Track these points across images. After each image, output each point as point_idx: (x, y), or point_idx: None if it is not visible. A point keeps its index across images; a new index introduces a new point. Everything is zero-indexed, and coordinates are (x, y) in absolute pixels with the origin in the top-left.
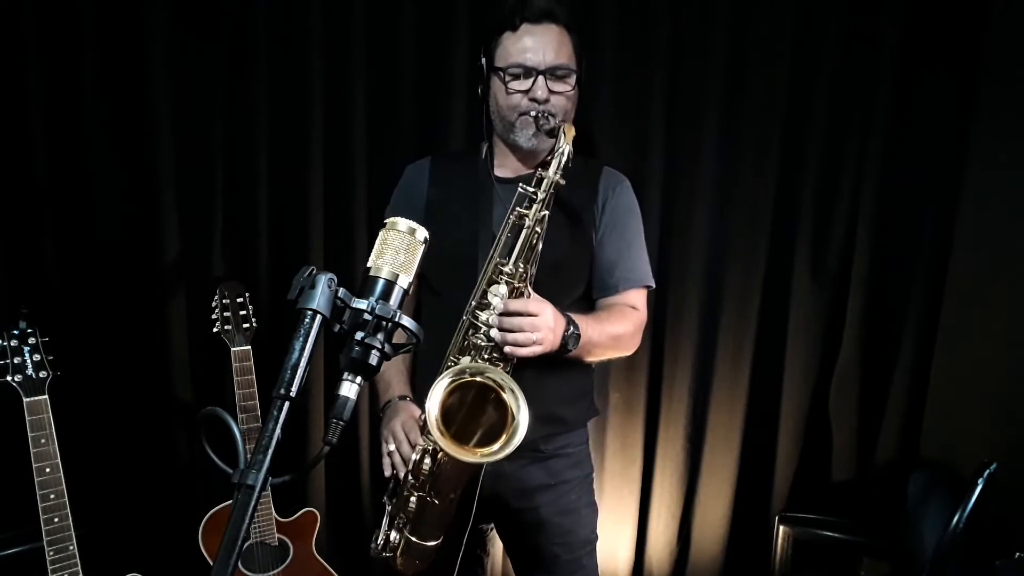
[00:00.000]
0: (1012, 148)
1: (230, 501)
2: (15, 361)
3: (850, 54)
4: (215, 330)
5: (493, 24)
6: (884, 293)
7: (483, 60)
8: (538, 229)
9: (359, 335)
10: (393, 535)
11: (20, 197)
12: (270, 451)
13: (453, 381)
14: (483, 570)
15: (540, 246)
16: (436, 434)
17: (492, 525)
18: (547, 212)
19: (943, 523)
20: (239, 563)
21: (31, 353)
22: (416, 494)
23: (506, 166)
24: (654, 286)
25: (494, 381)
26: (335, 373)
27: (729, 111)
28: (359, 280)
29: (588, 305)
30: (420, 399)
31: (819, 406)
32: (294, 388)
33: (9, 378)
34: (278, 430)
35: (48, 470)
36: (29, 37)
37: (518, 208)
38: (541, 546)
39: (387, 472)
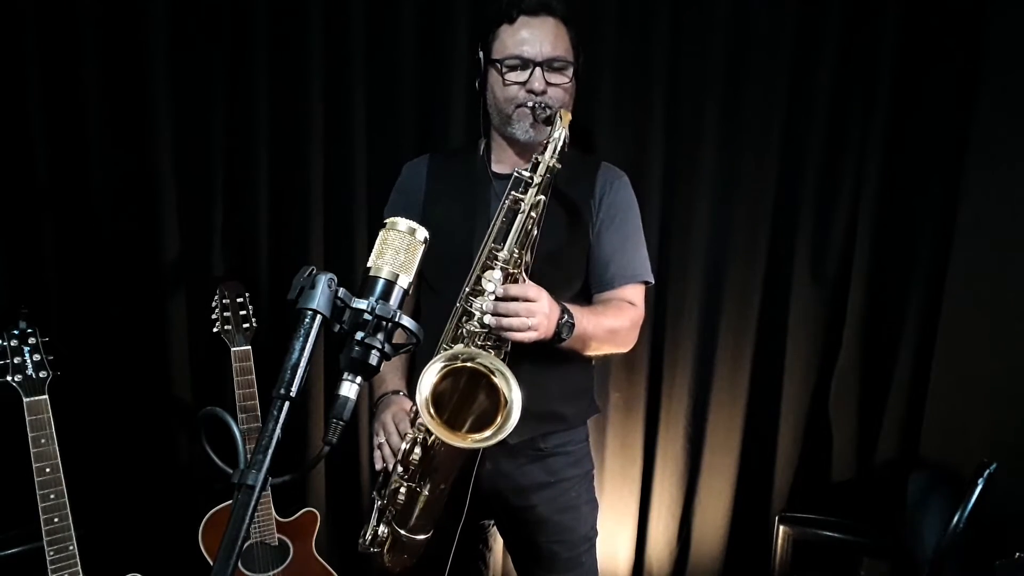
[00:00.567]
0: (1012, 148)
1: (230, 501)
2: (15, 361)
3: (850, 54)
4: (215, 330)
5: (490, 17)
6: (884, 293)
7: (480, 53)
8: (533, 214)
9: (359, 335)
10: (382, 529)
11: (20, 197)
12: (270, 451)
13: (445, 366)
14: (484, 565)
15: (536, 232)
16: (426, 418)
17: (493, 521)
18: (544, 197)
19: (943, 523)
20: (239, 563)
21: (31, 353)
22: (406, 485)
23: (504, 161)
24: (653, 282)
25: (485, 367)
26: (335, 373)
27: (729, 111)
28: (359, 280)
29: (586, 301)
30: (415, 394)
31: (819, 406)
32: (294, 388)
33: (9, 378)
34: (278, 430)
35: (48, 470)
36: (29, 37)
37: (513, 192)
38: (540, 543)
39: (378, 465)
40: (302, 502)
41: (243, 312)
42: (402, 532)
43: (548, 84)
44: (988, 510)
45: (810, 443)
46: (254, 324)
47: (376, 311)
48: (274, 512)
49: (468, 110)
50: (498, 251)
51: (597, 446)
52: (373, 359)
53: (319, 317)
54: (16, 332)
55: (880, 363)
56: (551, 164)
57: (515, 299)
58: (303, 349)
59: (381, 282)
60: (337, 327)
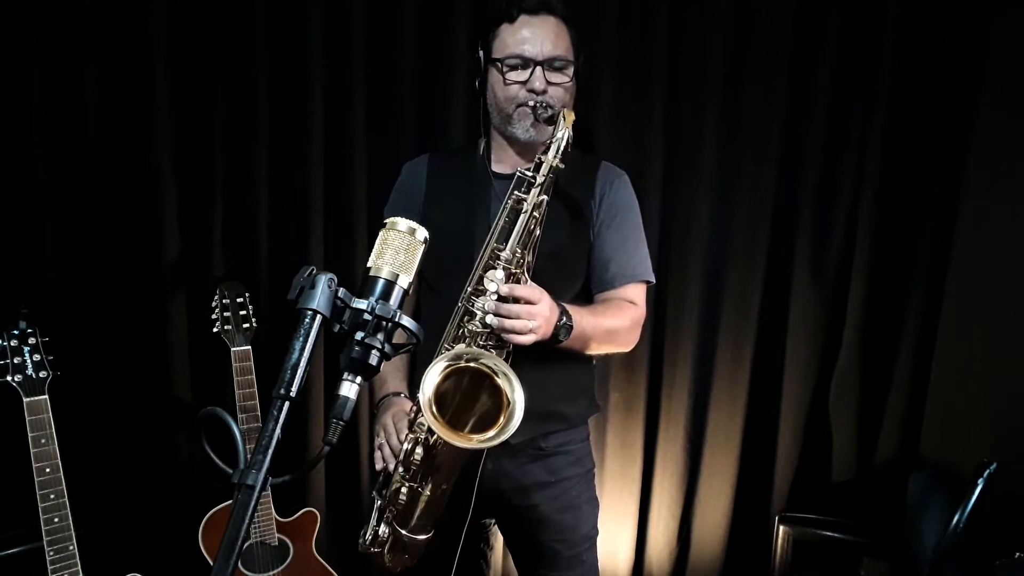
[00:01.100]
0: (1012, 148)
1: (230, 501)
2: (15, 361)
3: (850, 54)
4: (215, 330)
5: (491, 16)
6: (884, 293)
7: (480, 52)
8: (536, 214)
9: (359, 335)
10: (382, 529)
11: (20, 197)
12: (270, 451)
13: (448, 366)
14: (486, 564)
15: (538, 232)
16: (429, 417)
17: (494, 520)
18: (546, 197)
19: (943, 523)
20: (239, 563)
21: (31, 353)
22: (407, 485)
23: (504, 161)
24: (654, 281)
25: (488, 367)
26: (335, 373)
27: (729, 111)
28: (359, 280)
29: (587, 301)
30: (417, 394)
31: (819, 406)
32: (294, 388)
33: (9, 378)
34: (278, 430)
35: (48, 470)
36: (30, 37)
37: (516, 192)
38: (541, 542)
39: (378, 465)
40: (302, 502)
41: (243, 312)
42: (403, 532)
43: (549, 83)
44: (988, 510)
45: (810, 443)
46: (254, 324)
47: (376, 311)
48: (274, 512)
49: (468, 110)
50: (501, 251)
51: (597, 446)
52: (373, 359)
53: (319, 317)
54: (16, 332)
55: (880, 363)
56: (554, 164)
57: (517, 300)
58: (303, 349)
59: (381, 282)
60: (337, 327)
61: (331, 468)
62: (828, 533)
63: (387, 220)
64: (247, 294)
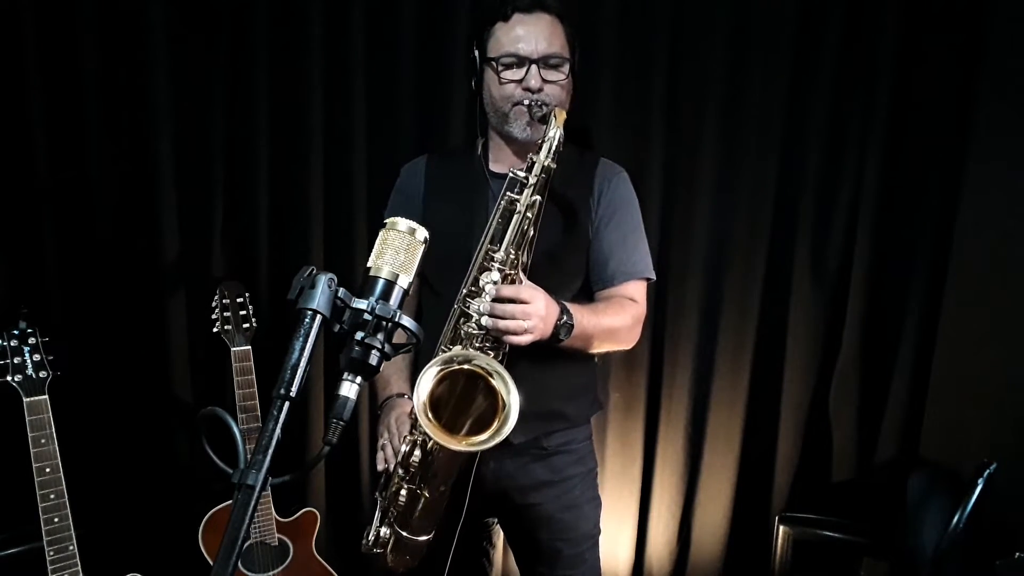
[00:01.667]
0: (1013, 148)
1: (230, 501)
2: (15, 361)
3: (850, 53)
4: (215, 330)
5: (485, 15)
6: (884, 293)
7: (476, 52)
8: (529, 215)
9: (359, 335)
10: (384, 530)
11: (20, 197)
12: (270, 451)
13: (441, 369)
14: (488, 562)
15: (532, 232)
16: (423, 421)
17: (496, 519)
18: (539, 198)
19: (943, 523)
20: (239, 563)
21: (31, 353)
22: (406, 486)
23: (501, 160)
24: (654, 278)
25: (483, 369)
26: (335, 373)
27: (729, 112)
28: (359, 280)
29: (588, 299)
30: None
31: (819, 406)
32: (294, 388)
33: (9, 378)
34: (278, 430)
35: (48, 470)
36: (29, 38)
37: (509, 193)
38: (543, 541)
39: (380, 466)
40: (302, 502)
41: (243, 312)
42: (404, 533)
43: (544, 81)
44: (988, 510)
45: (810, 443)
46: (254, 324)
47: (376, 311)
48: (274, 512)
49: (468, 111)
50: (494, 252)
51: (597, 445)
52: (373, 359)
53: (319, 317)
54: (16, 332)
55: (880, 363)
56: (546, 164)
57: (511, 301)
58: (303, 349)
59: (381, 282)
60: (337, 327)
61: (331, 468)
62: (828, 533)
63: (387, 220)
64: (247, 294)
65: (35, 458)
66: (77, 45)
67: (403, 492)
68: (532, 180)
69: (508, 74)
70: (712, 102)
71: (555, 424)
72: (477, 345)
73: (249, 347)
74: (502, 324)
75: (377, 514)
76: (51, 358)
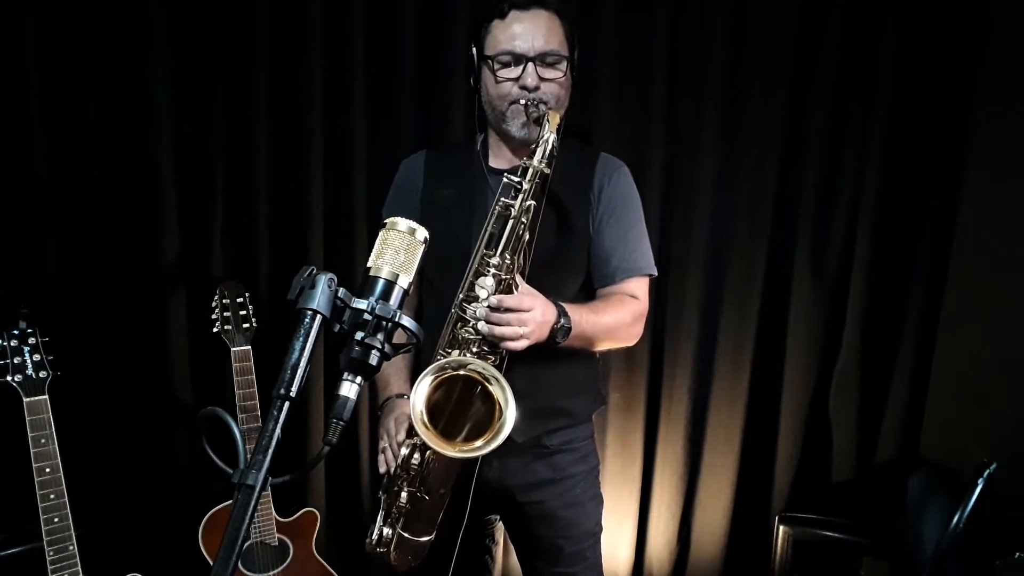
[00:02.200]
0: (1013, 148)
1: (230, 501)
2: (15, 361)
3: (850, 52)
4: (215, 330)
5: (482, 13)
6: (884, 293)
7: (473, 50)
8: (524, 220)
9: (359, 335)
10: (386, 531)
11: (20, 197)
12: (270, 451)
13: (437, 376)
14: (491, 559)
15: (527, 236)
16: (420, 429)
17: (498, 516)
18: (533, 202)
19: (943, 523)
20: (239, 563)
21: (31, 353)
22: (407, 489)
23: (501, 157)
24: (656, 274)
25: (479, 374)
26: (335, 373)
27: (729, 112)
28: (359, 280)
29: (590, 295)
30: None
31: (819, 406)
32: (294, 388)
33: (9, 378)
34: (278, 430)
35: (48, 470)
36: (29, 37)
37: (503, 199)
38: (545, 538)
39: (381, 468)
40: (302, 502)
41: (243, 312)
42: (405, 534)
43: (542, 79)
44: (988, 510)
45: (810, 443)
46: (254, 324)
47: (376, 311)
48: (274, 512)
49: (468, 110)
50: (490, 258)
51: (597, 445)
52: (373, 359)
53: (319, 317)
54: (16, 332)
55: (880, 363)
56: (540, 169)
57: (506, 308)
58: (303, 349)
59: (381, 282)
60: (337, 327)
61: (331, 468)
62: (828, 533)
63: (387, 220)
64: (247, 294)
65: (35, 458)
66: (77, 45)
67: (404, 494)
68: (526, 186)
69: (505, 72)
70: (712, 102)
71: (558, 421)
72: (474, 350)
73: (249, 347)
74: (497, 331)
75: (380, 514)
76: (51, 358)
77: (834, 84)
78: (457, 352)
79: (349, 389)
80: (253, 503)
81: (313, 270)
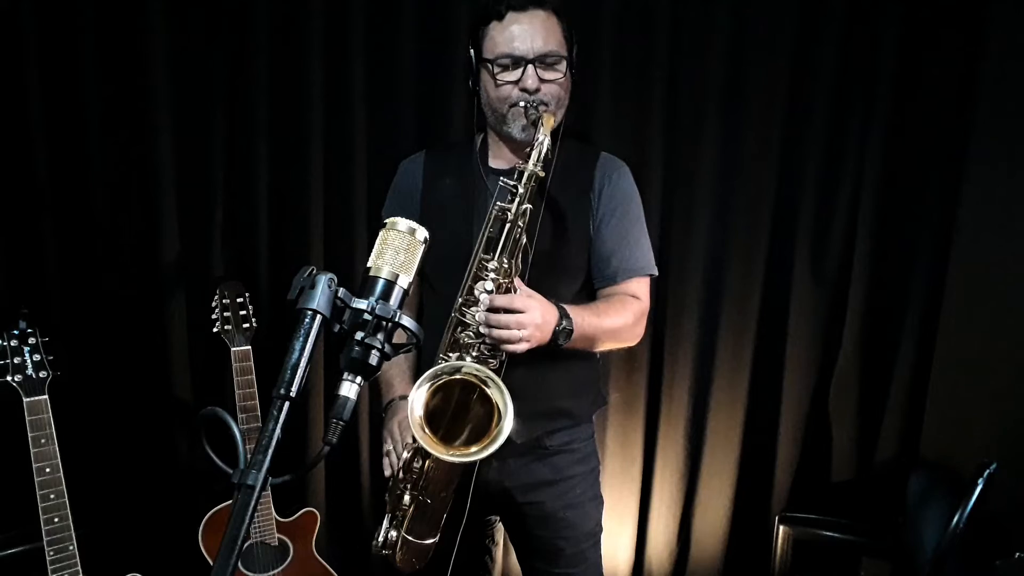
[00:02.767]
0: (1013, 147)
1: (230, 501)
2: (15, 361)
3: (850, 52)
4: (215, 330)
5: (479, 14)
6: (884, 293)
7: (471, 52)
8: (520, 223)
9: (359, 335)
10: (392, 533)
11: (20, 197)
12: (270, 451)
13: (434, 382)
14: (491, 559)
15: (524, 240)
16: (419, 434)
17: (498, 517)
18: (530, 206)
19: (943, 523)
20: (239, 563)
21: (31, 353)
22: (409, 492)
23: (501, 157)
24: (657, 274)
25: (476, 378)
26: (335, 373)
27: (729, 110)
28: (359, 280)
29: (590, 296)
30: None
31: (819, 406)
32: (294, 388)
33: (9, 378)
34: (278, 430)
35: (48, 470)
36: (29, 37)
37: (499, 203)
38: (545, 539)
39: (386, 472)
40: (302, 502)
41: (243, 312)
42: (410, 537)
43: (542, 81)
44: (988, 510)
45: (810, 443)
46: (254, 324)
47: (376, 311)
48: (274, 512)
49: (468, 109)
50: (488, 262)
51: (597, 445)
52: (373, 359)
53: (319, 317)
54: (16, 332)
55: (880, 363)
56: (536, 172)
57: (505, 311)
58: (303, 349)
59: (381, 282)
60: (337, 327)
61: (331, 468)
62: (828, 533)
63: (387, 220)
64: (247, 294)
65: (35, 458)
66: (77, 45)
67: (407, 498)
68: (521, 190)
69: (504, 75)
70: (712, 101)
71: (559, 421)
72: (475, 354)
73: (249, 347)
74: (496, 334)
75: (386, 517)
76: (51, 358)
77: (834, 83)
78: (457, 356)
79: (349, 389)
80: (253, 503)
81: (313, 270)
